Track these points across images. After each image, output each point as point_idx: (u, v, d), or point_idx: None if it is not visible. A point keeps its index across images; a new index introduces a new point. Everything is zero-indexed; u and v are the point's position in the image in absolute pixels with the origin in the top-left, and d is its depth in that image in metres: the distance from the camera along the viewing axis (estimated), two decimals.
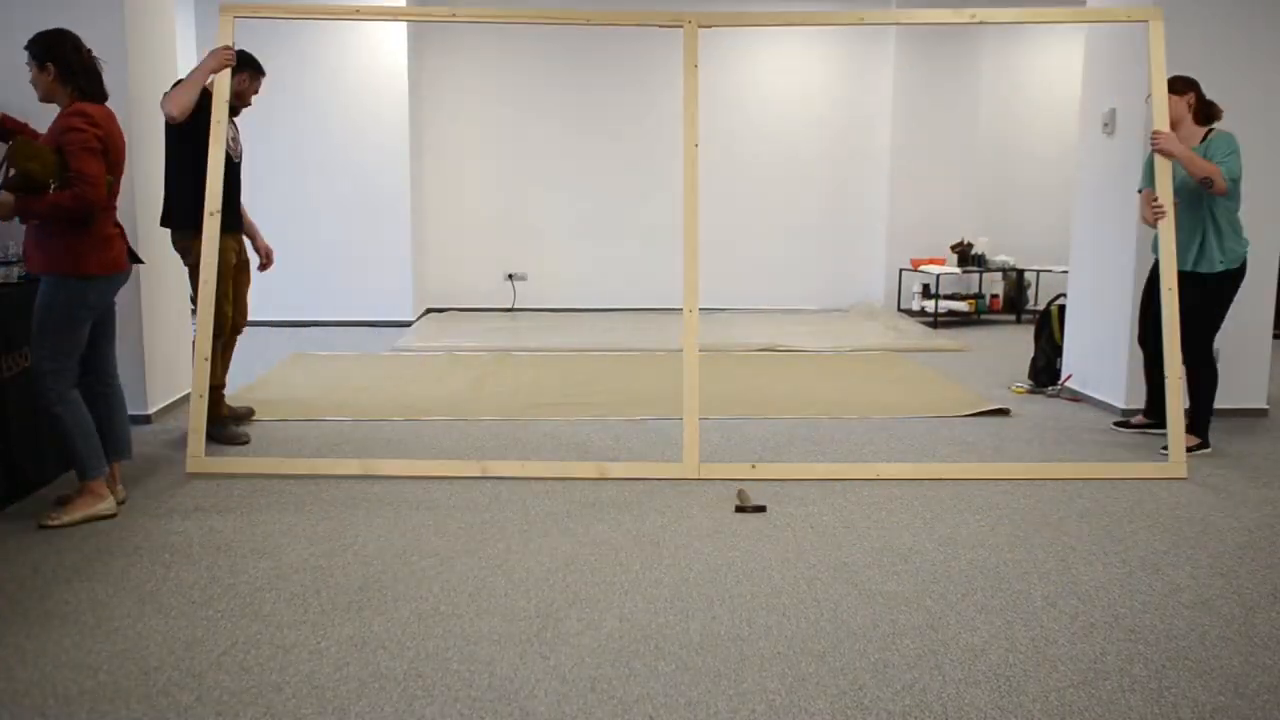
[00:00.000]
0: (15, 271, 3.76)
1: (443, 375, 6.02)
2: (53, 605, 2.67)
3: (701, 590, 2.81)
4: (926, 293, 8.62)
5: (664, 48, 8.94)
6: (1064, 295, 5.74)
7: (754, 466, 3.95)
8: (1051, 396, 5.49)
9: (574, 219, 9.05)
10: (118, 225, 3.47)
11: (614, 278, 9.13)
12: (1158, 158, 4.16)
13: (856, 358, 6.78)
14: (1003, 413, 5.08)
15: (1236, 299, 4.89)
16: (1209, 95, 4.77)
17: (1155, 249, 4.33)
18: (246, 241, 4.71)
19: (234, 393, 5.22)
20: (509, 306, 9.08)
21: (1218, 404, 4.98)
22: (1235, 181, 4.23)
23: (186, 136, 4.16)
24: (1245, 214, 4.87)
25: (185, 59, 7.90)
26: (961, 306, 8.58)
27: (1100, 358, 5.20)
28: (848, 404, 5.23)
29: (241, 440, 4.38)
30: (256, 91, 4.52)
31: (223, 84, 4.05)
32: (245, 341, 7.23)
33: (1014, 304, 9.05)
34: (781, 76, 9.06)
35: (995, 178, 9.40)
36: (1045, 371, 5.72)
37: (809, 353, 6.90)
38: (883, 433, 4.67)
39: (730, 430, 4.69)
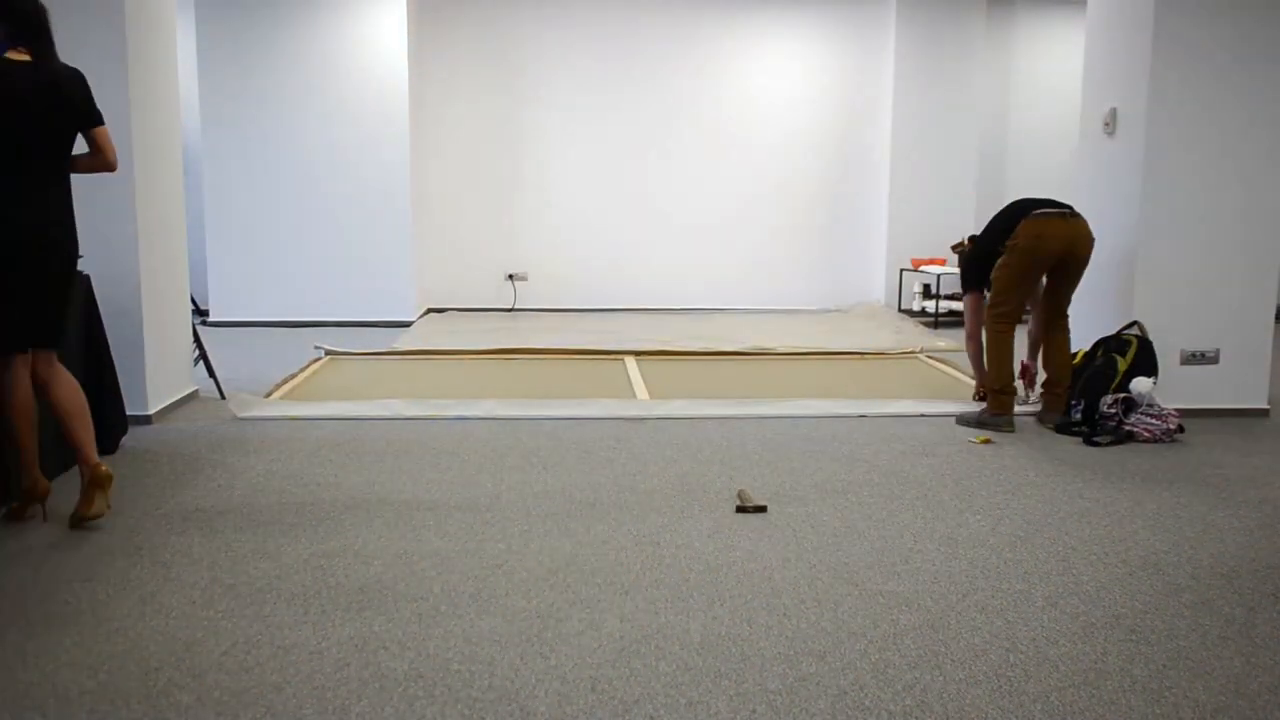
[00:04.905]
0: None
1: (443, 375, 6.02)
2: (53, 606, 2.67)
3: (702, 590, 2.81)
4: (927, 293, 8.62)
5: (666, 48, 8.94)
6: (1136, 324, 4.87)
7: None
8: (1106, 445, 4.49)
9: (575, 219, 9.05)
10: None
11: (615, 278, 9.13)
12: None
13: (856, 357, 6.78)
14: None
15: (1235, 298, 4.90)
16: (1212, 98, 4.78)
17: None
18: None
19: (255, 389, 5.22)
20: (509, 306, 9.08)
21: (1219, 404, 4.99)
22: None
23: None
24: (1249, 214, 4.88)
25: (185, 59, 7.90)
26: (962, 306, 8.57)
27: None
28: (847, 403, 5.21)
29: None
30: None
31: None
32: (247, 339, 7.25)
33: None
34: (781, 76, 9.06)
35: (995, 177, 9.40)
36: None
37: (808, 353, 6.89)
38: (883, 431, 4.67)
39: (730, 430, 4.68)
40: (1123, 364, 4.76)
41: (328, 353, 6.67)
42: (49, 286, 3.27)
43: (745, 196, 9.17)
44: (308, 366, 6.23)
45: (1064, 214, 4.65)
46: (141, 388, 4.61)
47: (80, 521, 3.26)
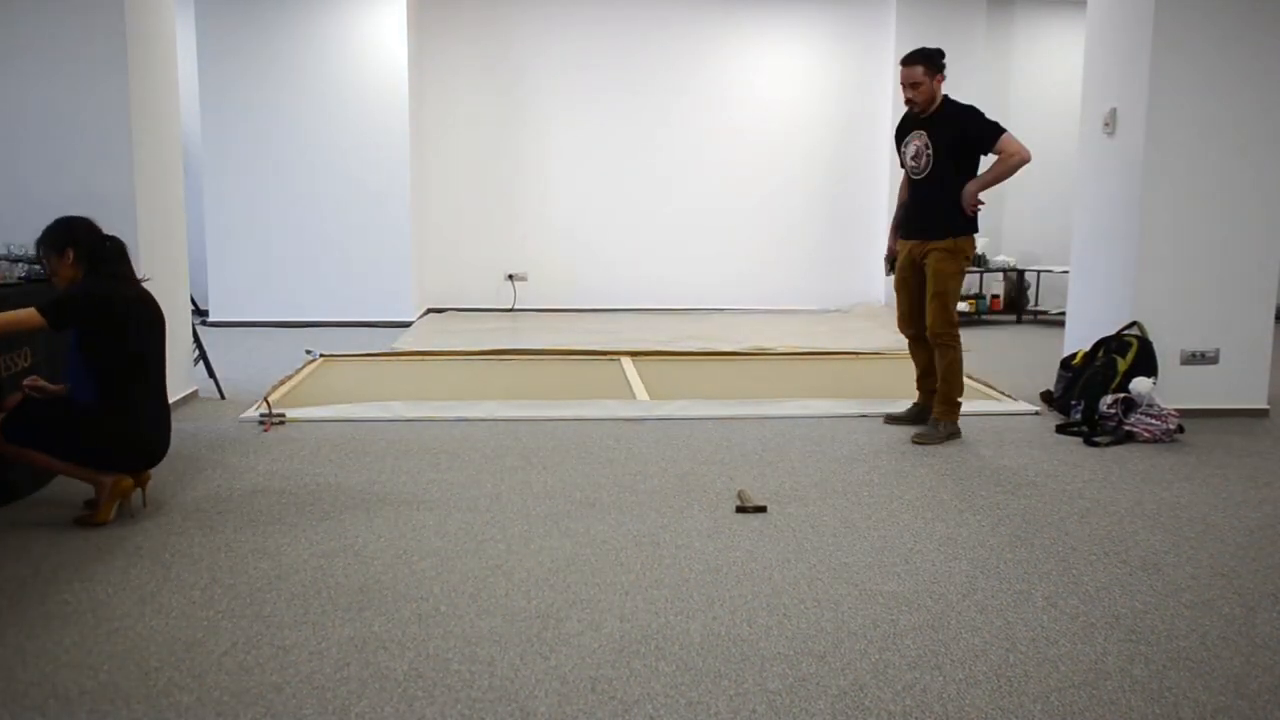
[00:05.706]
0: (16, 270, 3.76)
1: (442, 376, 6.02)
2: (53, 606, 2.67)
3: (702, 590, 2.81)
4: None
5: (666, 49, 8.94)
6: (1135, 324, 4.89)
7: None
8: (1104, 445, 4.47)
9: (574, 219, 9.06)
10: None
11: (615, 278, 9.14)
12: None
13: (857, 358, 6.78)
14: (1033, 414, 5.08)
15: (1235, 298, 4.92)
16: (1212, 98, 4.79)
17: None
18: None
19: (254, 389, 5.22)
20: (509, 306, 9.08)
21: (1219, 404, 4.99)
22: None
23: None
24: (1249, 215, 4.89)
25: (185, 59, 7.90)
26: (962, 307, 8.58)
27: None
28: (847, 403, 5.22)
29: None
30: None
31: None
32: (247, 339, 7.25)
33: (1014, 304, 9.05)
34: (781, 76, 9.06)
35: None
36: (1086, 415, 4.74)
37: (808, 353, 6.89)
38: (883, 432, 4.67)
39: (730, 430, 4.68)
40: (1123, 364, 4.76)
41: (321, 355, 6.64)
42: None
43: (746, 196, 9.17)
44: (303, 368, 6.22)
45: None
46: None
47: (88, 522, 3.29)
